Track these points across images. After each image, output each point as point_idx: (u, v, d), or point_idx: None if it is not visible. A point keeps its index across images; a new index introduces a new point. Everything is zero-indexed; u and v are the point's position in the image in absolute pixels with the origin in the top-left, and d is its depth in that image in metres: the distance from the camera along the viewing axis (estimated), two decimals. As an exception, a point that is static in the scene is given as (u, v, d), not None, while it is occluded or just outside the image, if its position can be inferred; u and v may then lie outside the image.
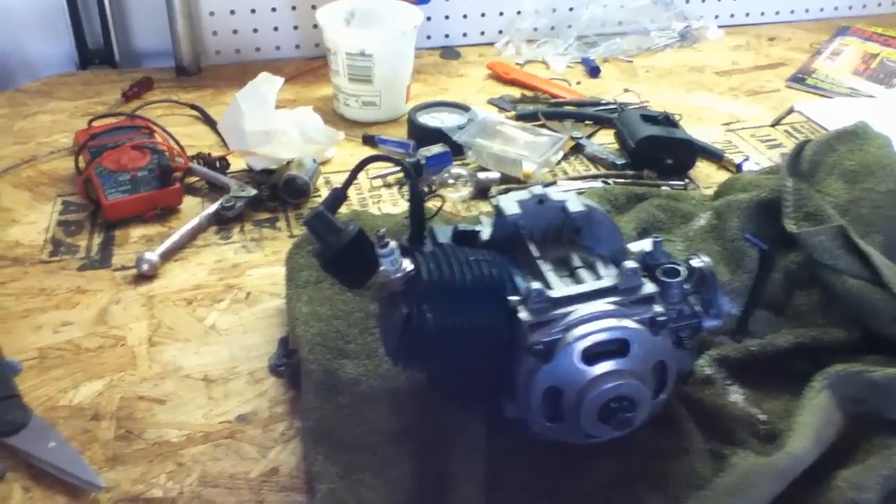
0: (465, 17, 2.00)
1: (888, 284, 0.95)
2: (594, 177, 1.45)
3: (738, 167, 1.46)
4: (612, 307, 0.80)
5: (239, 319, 1.08)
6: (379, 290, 0.86)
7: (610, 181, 1.43)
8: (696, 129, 1.59)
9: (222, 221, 1.29)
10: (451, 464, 0.83)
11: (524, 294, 0.81)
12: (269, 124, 1.31)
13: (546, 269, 0.85)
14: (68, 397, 0.94)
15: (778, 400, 0.96)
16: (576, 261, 0.89)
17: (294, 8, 1.86)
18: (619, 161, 1.48)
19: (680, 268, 0.91)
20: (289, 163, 1.37)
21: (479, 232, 0.92)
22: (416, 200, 0.91)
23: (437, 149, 1.43)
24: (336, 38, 1.56)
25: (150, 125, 1.43)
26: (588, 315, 0.79)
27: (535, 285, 0.79)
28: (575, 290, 0.81)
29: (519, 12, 2.01)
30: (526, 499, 0.83)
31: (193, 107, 1.63)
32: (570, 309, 0.80)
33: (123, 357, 1.01)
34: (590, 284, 0.81)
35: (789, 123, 1.67)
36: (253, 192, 1.31)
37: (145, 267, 1.15)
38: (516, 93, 1.76)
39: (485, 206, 1.36)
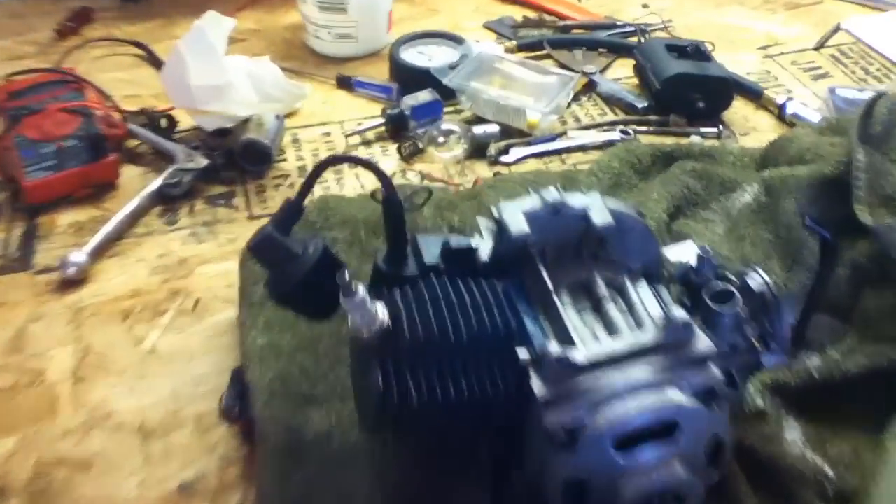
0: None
1: None
2: (611, 124, 1.22)
3: (781, 108, 1.23)
4: (654, 375, 0.60)
5: (185, 339, 0.89)
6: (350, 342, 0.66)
7: (630, 129, 1.20)
8: (728, 56, 1.35)
9: (168, 200, 1.07)
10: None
11: (538, 354, 0.61)
12: (220, 77, 1.08)
13: (565, 308, 0.65)
14: (-29, 461, 0.76)
15: (846, 441, 0.78)
16: (600, 287, 0.69)
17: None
18: (641, 103, 1.24)
19: (734, 291, 0.71)
20: (247, 121, 1.14)
21: (475, 250, 0.72)
22: (394, 214, 0.70)
23: (424, 96, 1.19)
24: (300, -43, 1.30)
25: (80, 79, 1.19)
26: (622, 388, 0.59)
27: (554, 348, 0.59)
28: (604, 351, 0.61)
29: None
30: None
31: (137, 44, 1.38)
32: (599, 378, 0.60)
33: (42, 400, 0.82)
34: (624, 342, 0.61)
35: (835, 45, 1.43)
36: (203, 161, 1.09)
37: (71, 271, 0.94)
38: (517, 14, 1.50)
39: (481, 169, 1.14)
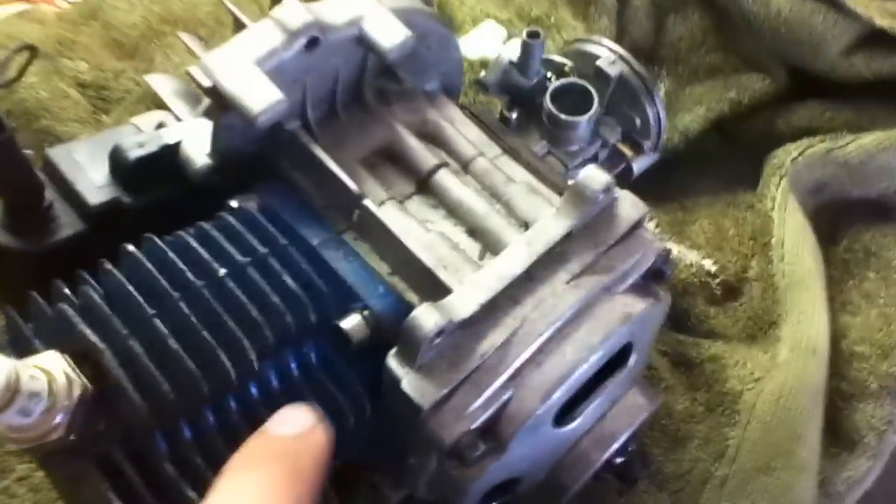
0: None
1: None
2: None
3: None
4: (582, 286, 0.35)
5: None
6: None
7: None
8: None
9: None
10: None
11: (382, 322, 0.33)
12: None
13: (383, 208, 0.37)
14: None
15: (703, 217, 0.62)
16: (414, 149, 0.40)
17: None
18: None
19: (587, 88, 0.47)
20: None
21: (170, 148, 0.38)
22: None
23: None
24: None
25: None
26: (546, 328, 0.34)
27: (424, 314, 0.31)
28: (498, 277, 0.34)
29: None
30: None
31: None
32: (506, 325, 0.34)
33: None
34: (519, 250, 0.35)
35: None
36: None
37: None
38: None
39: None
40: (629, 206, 0.37)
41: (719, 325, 0.56)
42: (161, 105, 0.47)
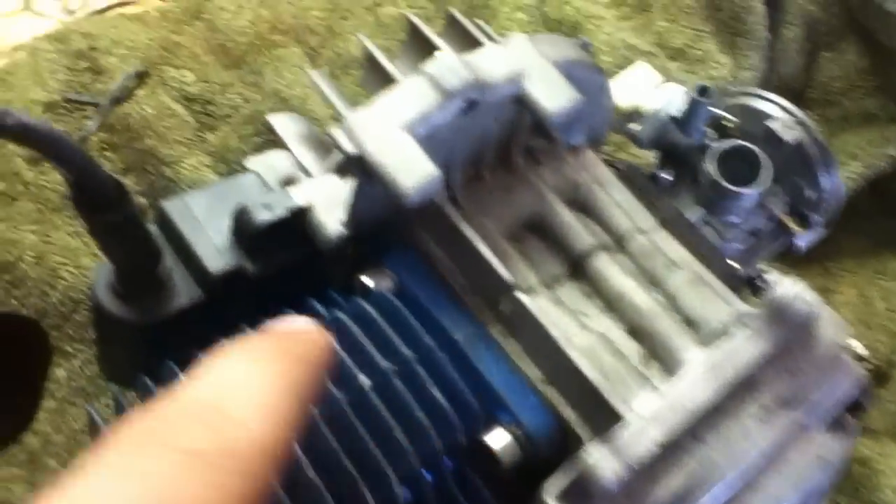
0: None
1: None
2: None
3: None
4: (774, 428, 0.30)
5: None
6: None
7: None
8: None
9: None
10: None
11: (535, 443, 0.29)
12: None
13: (535, 299, 0.32)
14: None
15: (851, 284, 0.56)
16: (568, 225, 0.35)
17: None
18: None
19: (758, 155, 0.41)
20: None
21: (300, 212, 0.33)
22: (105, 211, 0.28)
23: None
24: None
25: None
26: (734, 472, 0.29)
27: (605, 461, 0.27)
28: (680, 410, 0.29)
29: None
30: None
31: None
32: (685, 468, 0.29)
33: None
34: (704, 374, 0.29)
35: None
36: None
37: None
38: None
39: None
40: (831, 326, 0.31)
41: (866, 417, 0.50)
42: (269, 128, 0.43)
